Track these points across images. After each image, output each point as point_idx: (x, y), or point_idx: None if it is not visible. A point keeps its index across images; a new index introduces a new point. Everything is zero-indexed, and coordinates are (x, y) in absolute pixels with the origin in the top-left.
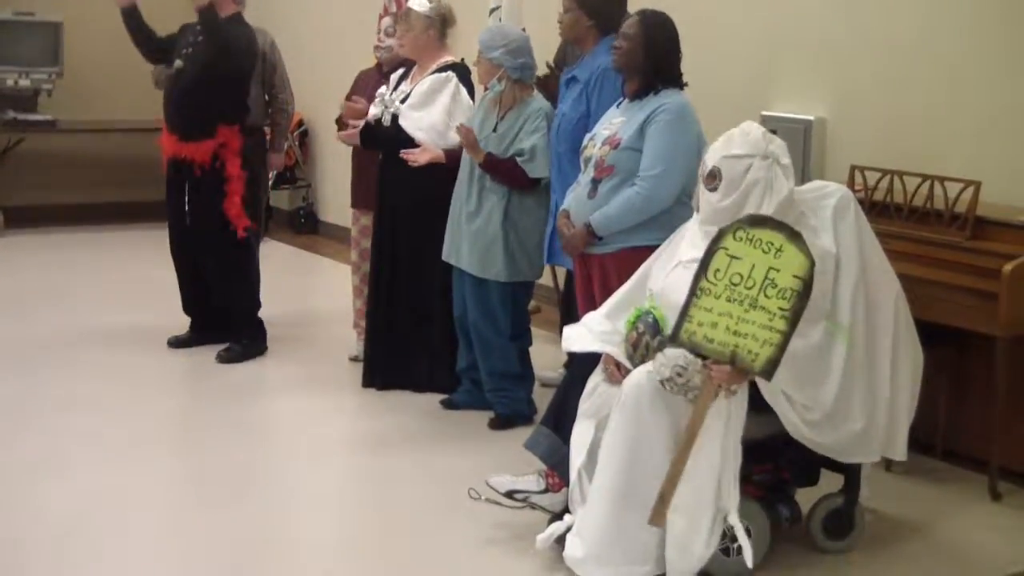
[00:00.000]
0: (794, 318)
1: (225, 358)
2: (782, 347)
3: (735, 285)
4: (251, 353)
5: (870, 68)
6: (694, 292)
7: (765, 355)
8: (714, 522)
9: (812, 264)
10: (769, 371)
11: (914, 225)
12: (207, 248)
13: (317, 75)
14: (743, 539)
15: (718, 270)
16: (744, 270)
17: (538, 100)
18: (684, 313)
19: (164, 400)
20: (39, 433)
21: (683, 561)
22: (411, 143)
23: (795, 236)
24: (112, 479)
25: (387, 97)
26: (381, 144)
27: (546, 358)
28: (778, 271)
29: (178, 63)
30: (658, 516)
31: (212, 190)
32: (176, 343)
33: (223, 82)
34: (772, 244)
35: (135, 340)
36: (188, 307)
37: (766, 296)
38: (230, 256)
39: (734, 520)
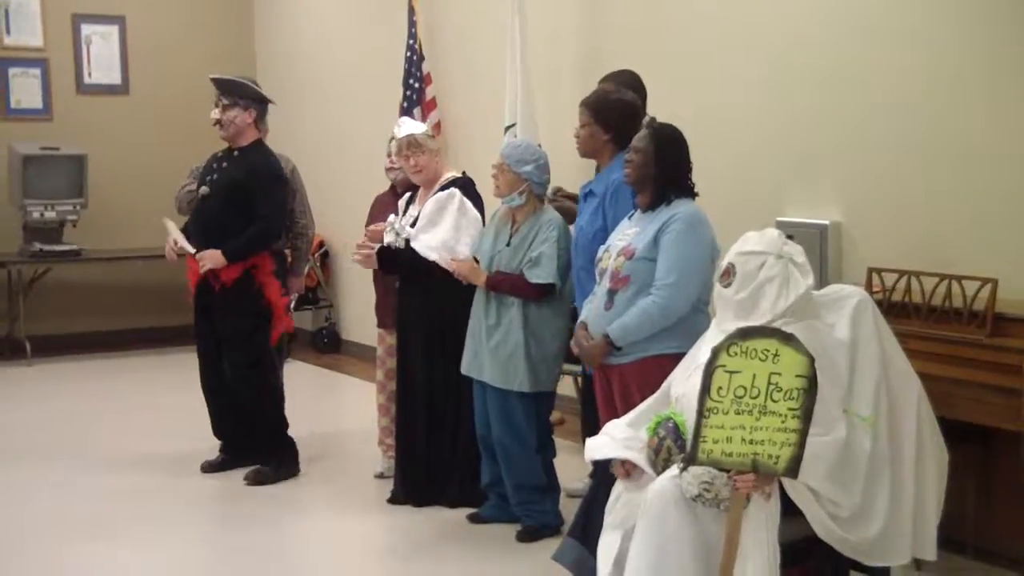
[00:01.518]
0: (806, 415)
1: (254, 480)
2: (801, 444)
3: (740, 398)
4: (283, 475)
5: (883, 170)
6: (702, 413)
7: (786, 455)
8: None
9: (811, 360)
10: (793, 468)
11: (933, 324)
12: (235, 370)
13: (337, 197)
14: None
15: (720, 388)
16: (746, 382)
17: (550, 211)
18: (697, 435)
19: (193, 524)
20: (69, 560)
21: None
22: (425, 264)
23: (788, 339)
24: None
25: (397, 224)
26: (398, 267)
27: (571, 469)
28: (780, 375)
29: (204, 189)
30: None
31: (239, 314)
32: (209, 468)
33: (251, 207)
34: (768, 351)
35: (164, 465)
36: (218, 430)
37: (773, 401)
38: (257, 375)
39: None
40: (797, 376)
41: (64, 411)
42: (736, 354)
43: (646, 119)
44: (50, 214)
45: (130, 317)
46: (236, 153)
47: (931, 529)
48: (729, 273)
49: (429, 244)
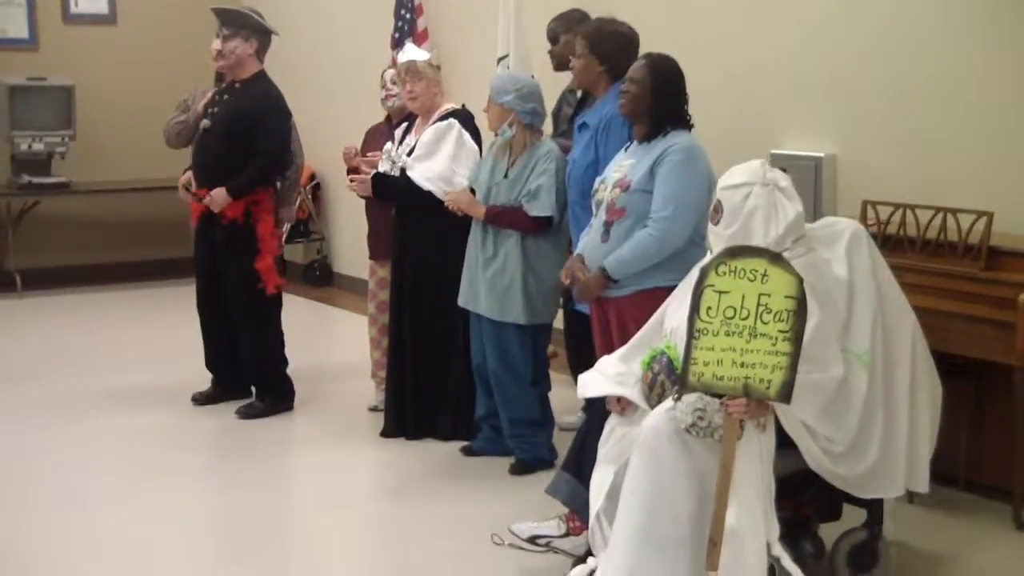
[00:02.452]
0: (797, 337)
1: (247, 414)
2: (792, 368)
3: (730, 319)
4: (276, 410)
5: (879, 103)
6: (692, 335)
7: (778, 379)
8: (761, 555)
9: (800, 281)
10: (786, 394)
11: (928, 257)
12: (236, 304)
13: (328, 129)
14: (790, 566)
15: (710, 308)
16: (735, 302)
17: (547, 143)
18: (687, 357)
19: (185, 456)
20: (61, 490)
21: None
22: (422, 194)
23: (777, 259)
24: (134, 534)
25: (394, 152)
26: (393, 195)
27: (565, 403)
28: (769, 296)
29: (205, 122)
30: (712, 561)
31: (243, 246)
32: (201, 400)
33: (254, 141)
34: (756, 271)
35: (156, 398)
36: (212, 363)
37: (763, 323)
38: (259, 313)
39: (778, 550)
40: (786, 297)
41: (55, 344)
42: (724, 273)
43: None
44: (38, 146)
45: (121, 250)
46: (238, 85)
47: (924, 462)
48: (717, 210)
49: (426, 175)
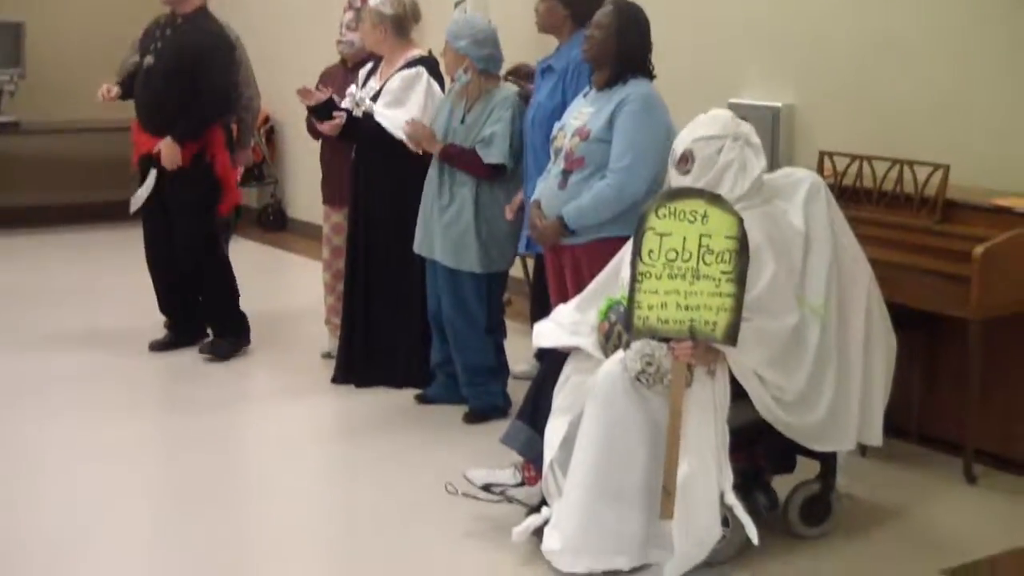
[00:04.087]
0: (740, 278)
1: (210, 351)
2: (737, 309)
3: (672, 261)
4: (238, 345)
5: (837, 54)
6: (635, 278)
7: (723, 321)
8: (713, 504)
9: (740, 220)
10: (732, 335)
11: (884, 210)
12: (186, 246)
13: (283, 71)
14: (743, 515)
15: (651, 251)
16: (677, 245)
17: (505, 89)
18: (631, 301)
19: (138, 403)
20: (11, 439)
21: (691, 544)
22: (389, 140)
23: (716, 199)
24: (82, 480)
25: (358, 95)
26: (361, 137)
27: (519, 351)
28: (710, 236)
29: (148, 59)
30: (667, 510)
31: (192, 186)
32: (157, 346)
33: (204, 81)
34: (696, 212)
35: (107, 340)
36: (165, 307)
37: (705, 264)
38: (209, 252)
39: (731, 499)
40: (727, 237)
41: (3, 286)
42: (664, 216)
43: None
44: None
45: (70, 192)
46: (180, 20)
47: (878, 415)
48: (687, 159)
49: (396, 123)
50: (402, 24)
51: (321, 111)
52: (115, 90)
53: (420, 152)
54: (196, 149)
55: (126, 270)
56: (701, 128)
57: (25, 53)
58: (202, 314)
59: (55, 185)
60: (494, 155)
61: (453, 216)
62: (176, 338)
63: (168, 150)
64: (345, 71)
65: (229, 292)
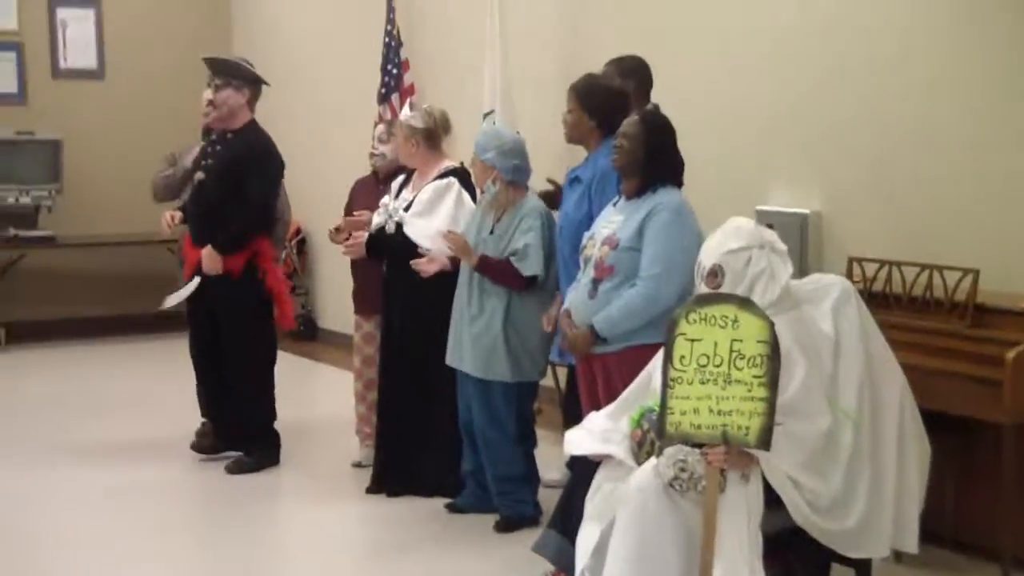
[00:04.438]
0: (772, 382)
1: (235, 469)
2: (770, 413)
3: (703, 367)
4: (264, 465)
5: (864, 159)
6: (666, 384)
7: (756, 426)
8: None
9: (771, 324)
10: (765, 440)
11: (914, 314)
12: (235, 361)
13: (314, 183)
14: None
15: (683, 356)
16: (708, 350)
17: (532, 199)
18: (663, 407)
19: (171, 510)
20: (48, 546)
21: None
22: (416, 251)
23: (746, 303)
24: None
25: (390, 206)
26: (388, 253)
27: (550, 459)
28: (741, 341)
29: (199, 175)
30: None
31: (245, 301)
32: (199, 448)
33: (248, 191)
34: (727, 317)
35: (142, 452)
36: (209, 412)
37: (737, 369)
38: (256, 371)
39: None
40: (758, 342)
41: (40, 398)
42: (695, 321)
43: (649, 105)
44: (25, 199)
45: (106, 304)
46: (230, 136)
47: (913, 521)
48: (716, 274)
49: (425, 232)
50: (433, 136)
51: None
52: (178, 216)
53: (443, 266)
54: (244, 261)
55: (164, 380)
56: (728, 241)
57: (63, 169)
58: (235, 427)
59: (91, 298)
60: (531, 267)
61: (483, 327)
62: (217, 442)
63: (209, 258)
64: (376, 183)
65: (266, 410)
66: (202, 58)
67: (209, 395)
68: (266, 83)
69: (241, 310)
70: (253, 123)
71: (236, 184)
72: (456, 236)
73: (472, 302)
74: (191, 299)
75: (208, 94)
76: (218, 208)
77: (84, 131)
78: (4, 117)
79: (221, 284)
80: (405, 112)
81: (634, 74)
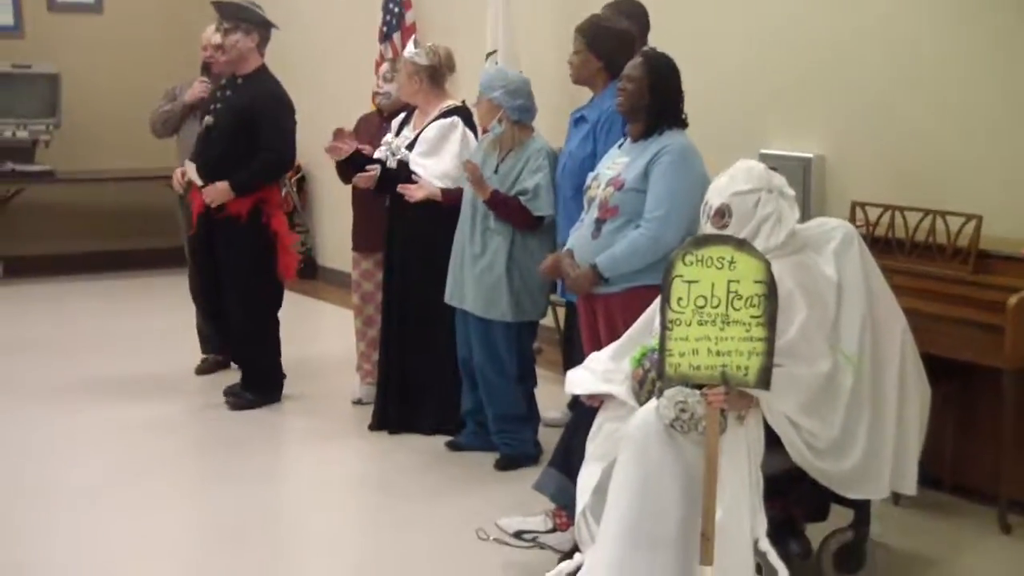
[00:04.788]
0: (770, 321)
1: (235, 405)
2: (768, 353)
3: (701, 308)
4: (264, 402)
5: (868, 103)
6: (665, 326)
7: (755, 365)
8: (747, 550)
9: (767, 264)
10: (764, 379)
11: (916, 260)
12: (237, 302)
13: (314, 121)
14: (776, 562)
15: (680, 298)
16: (705, 291)
17: (539, 140)
18: (662, 349)
19: (171, 447)
20: (46, 481)
21: None
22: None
23: (742, 244)
24: (120, 526)
25: (393, 144)
26: (395, 188)
27: (550, 399)
28: (738, 282)
29: (208, 119)
30: (707, 555)
31: (250, 244)
32: (202, 369)
33: (258, 137)
34: (723, 259)
35: (141, 388)
36: (215, 337)
37: (735, 309)
38: (259, 312)
39: (765, 545)
40: (755, 282)
41: (38, 333)
42: (692, 263)
43: (644, 48)
44: (22, 133)
45: (105, 239)
46: (240, 80)
47: (912, 464)
48: (723, 214)
49: (432, 172)
50: (437, 74)
51: (353, 163)
52: (191, 169)
53: (430, 194)
54: (251, 205)
55: (161, 316)
56: (737, 183)
57: (61, 103)
58: (236, 357)
59: (89, 233)
60: (542, 207)
61: (486, 266)
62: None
63: (218, 189)
64: (380, 120)
65: (268, 353)
66: (211, 2)
67: (214, 322)
68: (275, 26)
69: (244, 254)
70: (263, 68)
71: (247, 131)
72: (474, 165)
73: (475, 240)
74: (193, 238)
75: (216, 38)
76: (227, 154)
77: (82, 65)
78: (1, 50)
79: (226, 227)
80: (409, 49)
81: (633, 17)
